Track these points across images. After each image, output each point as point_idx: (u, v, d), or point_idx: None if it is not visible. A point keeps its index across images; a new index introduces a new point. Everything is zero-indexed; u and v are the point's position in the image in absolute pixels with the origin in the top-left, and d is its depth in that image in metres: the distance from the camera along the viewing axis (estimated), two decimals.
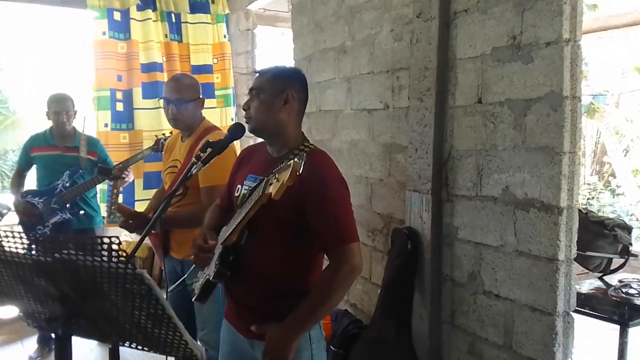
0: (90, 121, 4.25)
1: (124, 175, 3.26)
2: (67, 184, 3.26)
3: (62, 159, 3.31)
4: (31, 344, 3.51)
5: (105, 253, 0.86)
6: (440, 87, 2.22)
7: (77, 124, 3.45)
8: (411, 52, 2.38)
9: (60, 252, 0.89)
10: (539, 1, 1.81)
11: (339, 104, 3.06)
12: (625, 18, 4.59)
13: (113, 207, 2.40)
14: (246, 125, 1.64)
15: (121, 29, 4.27)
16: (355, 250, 1.47)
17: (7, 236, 0.98)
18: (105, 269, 0.88)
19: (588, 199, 6.62)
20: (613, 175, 7.06)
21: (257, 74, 1.62)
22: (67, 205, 3.25)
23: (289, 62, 3.62)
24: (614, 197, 6.96)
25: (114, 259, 0.86)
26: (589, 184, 6.89)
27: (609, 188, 7.04)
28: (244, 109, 1.59)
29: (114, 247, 0.84)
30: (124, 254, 0.86)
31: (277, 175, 1.16)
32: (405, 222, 2.44)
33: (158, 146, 3.08)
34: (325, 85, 3.14)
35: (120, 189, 2.81)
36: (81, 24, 4.53)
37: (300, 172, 1.14)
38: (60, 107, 3.28)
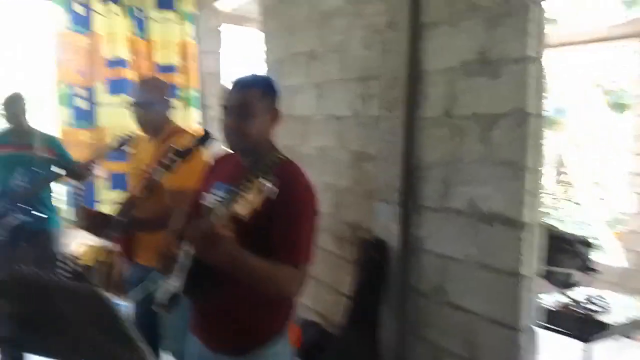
0: (52, 118, 4.10)
1: (88, 169, 3.12)
2: (21, 183, 3.09)
3: (16, 157, 3.15)
4: None
5: (61, 268, 0.81)
6: (409, 97, 2.22)
7: (33, 121, 3.30)
8: (382, 61, 2.38)
9: (16, 268, 0.83)
10: (507, 18, 1.83)
11: (309, 109, 3.03)
12: (586, 35, 4.75)
13: (78, 209, 2.30)
14: (223, 140, 1.57)
15: (83, 22, 4.11)
16: (301, 274, 1.45)
17: None
18: (61, 287, 0.83)
19: (550, 209, 6.84)
20: (571, 185, 7.33)
21: (238, 87, 1.52)
22: (22, 205, 3.08)
23: (257, 63, 3.58)
24: (573, 206, 7.23)
25: (68, 275, 0.81)
26: (551, 195, 7.12)
27: (568, 199, 7.31)
28: (226, 126, 1.50)
29: (69, 263, 0.80)
30: (79, 269, 0.82)
31: (246, 194, 1.12)
32: (372, 232, 2.44)
33: (118, 144, 2.99)
34: (295, 90, 3.11)
35: (83, 189, 2.67)
36: (42, 16, 4.34)
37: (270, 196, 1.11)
38: (15, 108, 3.14)
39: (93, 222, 2.13)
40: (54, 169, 3.15)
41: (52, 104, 4.17)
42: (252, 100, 1.48)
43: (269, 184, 1.11)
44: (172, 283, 1.49)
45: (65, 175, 3.11)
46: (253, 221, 1.23)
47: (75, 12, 4.09)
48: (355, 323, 2.40)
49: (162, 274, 1.57)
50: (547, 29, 1.82)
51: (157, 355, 2.32)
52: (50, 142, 3.31)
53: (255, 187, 1.12)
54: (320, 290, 2.99)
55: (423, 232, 2.22)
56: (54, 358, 1.15)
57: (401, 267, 2.29)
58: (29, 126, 3.24)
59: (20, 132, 3.19)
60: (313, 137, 3.03)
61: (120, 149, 2.86)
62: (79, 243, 4.31)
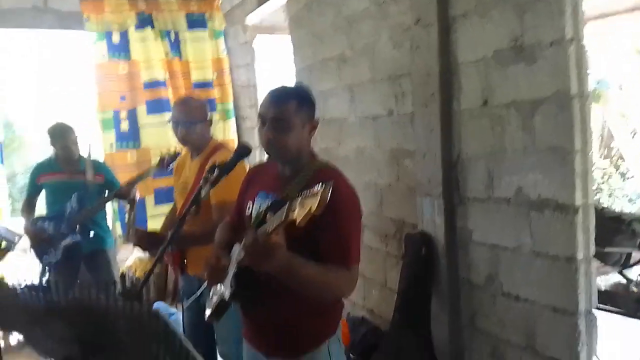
0: (96, 143, 4.28)
1: (133, 195, 3.28)
2: (75, 208, 3.26)
3: (69, 184, 3.32)
4: None
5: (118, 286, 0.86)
6: (443, 92, 2.21)
7: (82, 148, 3.47)
8: (412, 59, 2.38)
9: (71, 295, 0.88)
10: (538, 3, 1.80)
11: (343, 112, 3.06)
12: (627, 2, 4.56)
13: (130, 230, 2.42)
14: (262, 150, 1.61)
15: (121, 49, 4.29)
16: (353, 275, 1.49)
17: (20, 284, 0.98)
18: (118, 308, 0.88)
19: (599, 183, 6.56)
20: (622, 158, 6.99)
21: (274, 100, 1.55)
22: (77, 228, 3.25)
23: (290, 70, 3.63)
24: (623, 180, 6.90)
25: (126, 300, 0.86)
26: (601, 169, 6.82)
27: (618, 172, 6.97)
28: (265, 137, 1.53)
29: (125, 280, 0.84)
30: (135, 289, 0.86)
31: (301, 201, 1.14)
32: (418, 227, 2.44)
33: (163, 163, 3.11)
34: (328, 94, 3.15)
35: (135, 209, 2.81)
36: (82, 47, 4.54)
37: (328, 200, 1.13)
38: (65, 140, 3.30)
39: (144, 241, 2.23)
40: (105, 193, 3.31)
41: (96, 130, 4.36)
42: (289, 113, 1.51)
43: (327, 191, 1.12)
44: (220, 292, 1.54)
45: (114, 198, 3.26)
46: (302, 233, 1.26)
47: (113, 42, 4.27)
48: (406, 318, 2.40)
49: (210, 284, 1.63)
50: (584, 4, 1.76)
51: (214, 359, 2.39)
52: (99, 168, 3.47)
53: (312, 194, 1.13)
54: (368, 287, 3.01)
55: (470, 223, 2.20)
56: None
57: (450, 260, 2.28)
58: (79, 154, 3.41)
59: (70, 160, 3.36)
60: (349, 138, 3.05)
61: (164, 167, 2.98)
62: (132, 258, 4.51)
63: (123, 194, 3.24)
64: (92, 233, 3.31)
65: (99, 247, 3.39)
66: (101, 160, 3.82)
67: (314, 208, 1.11)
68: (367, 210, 2.85)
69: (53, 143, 3.33)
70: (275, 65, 4.66)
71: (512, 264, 2.03)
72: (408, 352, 2.33)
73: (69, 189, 3.29)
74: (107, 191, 3.37)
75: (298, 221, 1.13)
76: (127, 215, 2.55)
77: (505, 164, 2.01)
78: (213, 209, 2.19)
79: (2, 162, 3.98)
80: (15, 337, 3.83)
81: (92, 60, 4.24)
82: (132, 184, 3.29)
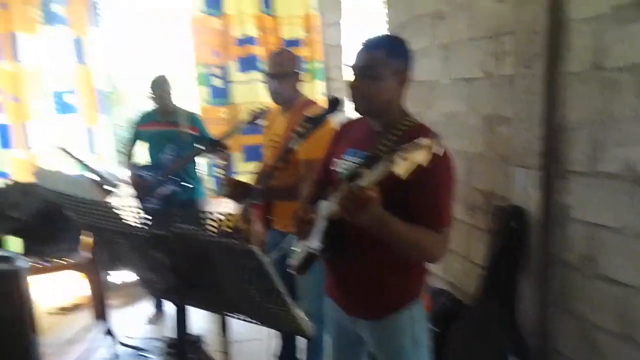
0: (192, 96, 4.46)
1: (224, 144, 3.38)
2: (171, 158, 3.45)
3: (165, 134, 3.52)
4: (145, 307, 3.83)
5: (217, 227, 0.88)
6: (550, 52, 2.02)
7: (179, 100, 3.63)
8: (517, 15, 2.19)
9: (175, 226, 0.92)
10: None
11: (435, 73, 2.92)
12: None
13: (223, 178, 2.53)
14: (350, 103, 1.58)
15: (216, 4, 4.37)
16: (445, 238, 1.44)
17: (125, 210, 1.03)
18: (218, 244, 0.91)
19: None
20: None
21: (365, 49, 1.50)
22: (171, 177, 3.44)
23: (380, 30, 3.51)
24: None
25: (227, 235, 0.88)
26: None
27: None
28: (352, 87, 1.50)
29: (228, 223, 0.87)
30: (238, 230, 0.89)
31: (402, 154, 1.10)
32: (509, 199, 2.31)
33: (253, 119, 3.16)
34: (420, 54, 2.99)
35: (229, 161, 2.90)
36: (179, 2, 4.67)
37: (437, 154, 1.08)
38: (160, 91, 3.49)
39: (235, 190, 2.30)
40: (196, 144, 3.46)
41: (191, 84, 4.53)
42: (377, 61, 1.45)
43: (437, 144, 1.07)
44: (308, 246, 1.55)
45: (205, 151, 3.40)
46: (394, 190, 1.22)
47: None
48: (491, 293, 2.31)
49: (297, 238, 1.65)
50: None
51: None
52: (193, 120, 3.63)
53: (418, 147, 1.08)
54: (451, 259, 2.92)
55: (569, 199, 2.04)
56: (209, 310, 1.27)
57: (543, 236, 2.14)
58: (174, 105, 3.58)
59: (166, 111, 3.54)
60: (440, 102, 2.91)
61: (254, 122, 3.03)
62: (220, 210, 4.73)
63: (220, 146, 3.35)
64: (185, 183, 3.50)
65: (192, 196, 3.59)
66: (197, 113, 3.97)
67: (422, 161, 1.06)
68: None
69: (151, 94, 3.52)
70: (365, 25, 4.53)
71: (612, 245, 1.86)
72: (491, 325, 2.25)
73: (165, 139, 3.50)
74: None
75: (402, 174, 1.09)
76: (222, 167, 2.65)
77: (613, 134, 1.81)
78: (301, 165, 2.21)
79: (107, 112, 4.27)
80: (116, 276, 4.21)
81: (188, 15, 4.37)
82: (225, 137, 3.40)
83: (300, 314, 1.07)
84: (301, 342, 2.63)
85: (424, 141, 1.08)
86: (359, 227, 1.28)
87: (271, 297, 1.00)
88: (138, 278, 1.25)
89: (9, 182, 3.63)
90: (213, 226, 0.89)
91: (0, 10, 3.76)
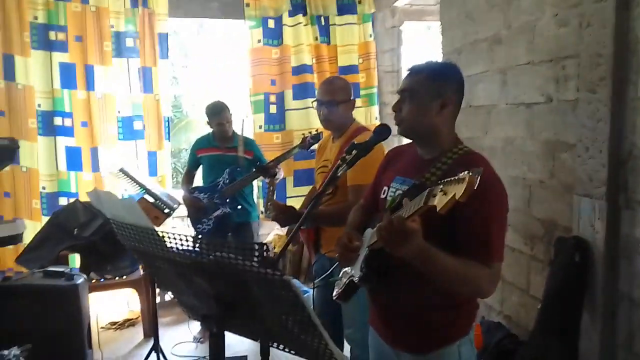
0: (247, 123, 4.58)
1: (276, 171, 3.45)
2: (227, 181, 3.55)
3: (223, 159, 3.62)
4: (196, 325, 3.89)
5: (255, 257, 0.88)
6: (617, 76, 1.91)
7: (236, 126, 3.74)
8: (580, 38, 2.09)
9: (215, 254, 0.93)
10: None
11: (492, 98, 2.83)
12: None
13: (269, 203, 2.55)
14: (395, 127, 1.57)
15: (274, 35, 4.51)
16: (495, 273, 1.35)
17: (169, 237, 1.05)
18: (255, 273, 0.90)
19: None
20: None
21: (410, 73, 1.50)
22: (227, 200, 3.52)
23: (436, 56, 3.48)
24: None
25: (262, 266, 0.87)
26: None
27: None
28: (394, 110, 1.50)
29: (264, 253, 0.86)
30: (272, 257, 0.88)
31: (443, 188, 1.06)
32: (572, 230, 2.17)
33: (305, 144, 3.17)
34: (477, 79, 2.94)
35: (275, 185, 2.94)
36: (239, 34, 4.86)
37: (475, 188, 1.03)
38: (221, 118, 3.59)
39: (284, 215, 2.30)
40: (253, 168, 3.54)
41: (248, 112, 4.65)
42: (416, 84, 1.44)
43: (476, 178, 1.02)
44: (351, 274, 1.52)
45: (261, 174, 3.46)
46: (440, 222, 1.17)
47: (268, 27, 4.50)
48: (551, 328, 2.16)
49: (341, 265, 1.61)
50: None
51: (339, 342, 2.40)
52: (249, 145, 3.72)
53: (458, 180, 1.04)
54: (507, 292, 2.77)
55: (638, 231, 1.89)
56: (248, 337, 1.26)
57: (609, 270, 1.99)
58: (233, 131, 3.68)
59: (225, 137, 3.65)
60: (497, 127, 2.82)
61: (307, 148, 3.06)
62: (272, 234, 4.78)
63: (268, 169, 3.42)
64: (240, 206, 3.58)
65: (246, 219, 3.66)
66: (252, 138, 4.07)
67: (458, 195, 1.00)
68: (512, 207, 2.59)
69: (210, 120, 3.65)
70: (420, 51, 4.51)
71: None
72: None
73: (223, 163, 3.60)
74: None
75: (439, 208, 1.04)
76: (267, 192, 2.67)
77: None
78: (349, 191, 2.19)
79: (168, 138, 4.45)
80: (169, 294, 4.32)
81: (247, 46, 4.52)
82: (276, 161, 3.45)
83: (336, 349, 1.03)
84: None
85: (462, 174, 1.03)
86: (402, 259, 1.23)
87: (308, 329, 0.97)
88: (181, 303, 1.27)
89: (78, 203, 3.84)
90: (259, 255, 0.88)
91: (76, 44, 4.05)
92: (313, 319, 0.91)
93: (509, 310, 2.78)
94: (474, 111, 2.98)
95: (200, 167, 3.78)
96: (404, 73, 1.56)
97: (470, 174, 1.02)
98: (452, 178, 1.05)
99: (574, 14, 2.17)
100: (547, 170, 2.42)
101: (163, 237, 1.03)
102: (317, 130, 3.12)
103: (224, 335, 1.10)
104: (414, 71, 1.49)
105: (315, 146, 3.07)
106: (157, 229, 1.06)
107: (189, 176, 3.80)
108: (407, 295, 1.43)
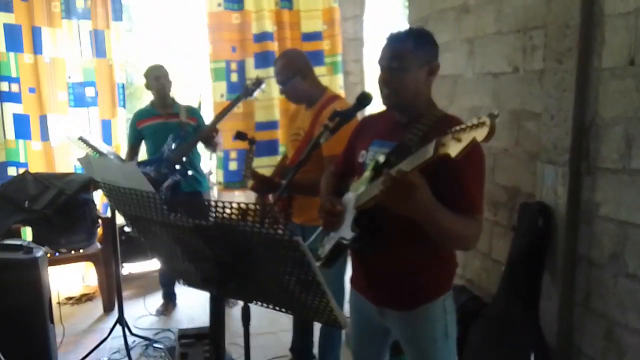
0: (206, 92, 4.45)
1: (213, 135, 3.38)
2: (172, 148, 3.40)
3: (166, 126, 3.47)
4: (153, 300, 3.82)
5: (263, 219, 0.87)
6: (583, 46, 1.99)
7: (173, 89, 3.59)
8: (548, 8, 2.15)
9: (220, 217, 0.91)
10: None
11: (459, 67, 2.88)
12: None
13: (247, 171, 2.53)
14: (380, 98, 1.56)
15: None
16: (480, 225, 1.42)
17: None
18: (262, 235, 0.89)
19: None
20: None
21: (391, 42, 1.49)
22: (177, 167, 3.38)
23: (399, 24, 3.48)
24: None
25: (273, 226, 0.86)
26: None
27: None
28: (382, 81, 1.49)
29: (274, 214, 0.85)
30: (282, 222, 0.87)
31: (456, 136, 1.08)
32: (535, 197, 2.27)
33: (247, 91, 3.25)
34: (443, 48, 2.91)
35: (254, 153, 2.88)
36: None
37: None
38: (158, 72, 3.45)
39: (263, 185, 2.29)
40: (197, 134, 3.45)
41: (207, 79, 4.51)
42: (404, 53, 1.45)
43: (495, 120, 1.04)
44: (336, 238, 1.53)
45: (201, 139, 3.38)
46: (424, 174, 1.20)
47: None
48: (513, 290, 2.28)
49: (326, 230, 1.63)
50: None
51: None
52: (192, 112, 3.60)
53: (472, 127, 1.06)
54: (470, 256, 2.89)
55: (598, 196, 2.00)
56: (244, 300, 1.25)
57: (570, 234, 2.11)
58: (172, 98, 3.55)
59: (166, 102, 3.51)
60: (463, 97, 2.88)
61: (252, 95, 3.12)
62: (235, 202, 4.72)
63: (206, 134, 3.35)
64: (190, 172, 3.45)
65: (196, 189, 3.54)
66: (202, 107, 3.92)
67: (481, 137, 1.03)
68: None
69: (147, 77, 3.49)
70: (384, 19, 4.49)
71: None
72: (512, 323, 2.22)
73: (166, 130, 3.45)
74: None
75: (455, 154, 1.07)
76: (246, 158, 2.64)
77: None
78: (326, 161, 2.19)
79: (124, 105, 4.26)
80: (127, 269, 4.22)
81: (205, 9, 4.35)
82: (214, 122, 3.37)
83: (336, 306, 1.05)
84: (315, 337, 2.62)
85: (481, 119, 1.06)
86: (394, 216, 1.25)
87: (311, 288, 0.98)
88: (173, 269, 1.24)
89: (28, 174, 3.64)
90: (267, 216, 0.87)
91: (22, 4, 3.76)
92: (318, 278, 0.92)
93: (472, 274, 2.91)
94: (440, 80, 2.96)
95: (143, 142, 3.59)
96: (367, 41, 1.55)
97: (489, 118, 1.04)
98: (466, 125, 1.07)
99: None
100: (512, 138, 2.51)
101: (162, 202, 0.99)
102: (257, 76, 3.25)
103: (223, 299, 1.09)
104: (396, 40, 1.48)
105: (256, 93, 3.27)
106: None
107: (132, 153, 3.59)
108: (396, 252, 1.47)
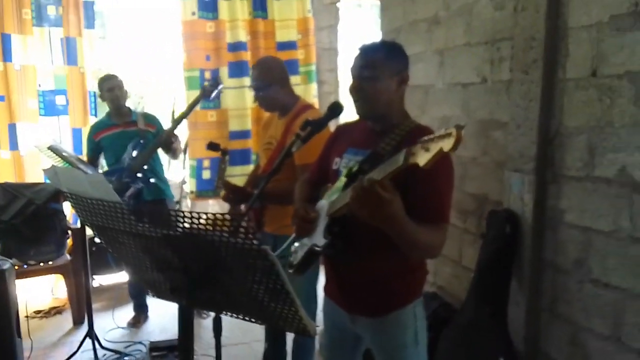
0: (180, 101, 4.42)
1: (172, 140, 3.35)
2: (133, 156, 3.34)
3: (124, 135, 3.42)
4: (124, 312, 3.75)
5: (231, 229, 0.87)
6: (548, 58, 2.05)
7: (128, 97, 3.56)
8: (515, 21, 2.22)
9: (189, 227, 0.91)
10: None
11: (430, 78, 2.94)
12: None
13: (219, 181, 2.51)
14: (350, 107, 1.59)
15: (209, 8, 4.34)
16: (445, 234, 1.46)
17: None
18: (231, 244, 0.90)
19: None
20: None
21: (363, 53, 1.53)
22: (138, 176, 3.32)
23: (372, 35, 3.53)
24: None
25: (241, 235, 0.87)
26: None
27: None
28: (356, 89, 1.52)
29: (243, 223, 0.86)
30: (251, 231, 0.88)
31: (424, 145, 1.11)
32: (502, 204, 2.32)
33: (205, 92, 3.29)
34: (415, 59, 3.03)
35: (227, 163, 2.86)
36: (171, 5, 4.65)
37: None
38: (111, 83, 3.41)
39: (235, 195, 2.29)
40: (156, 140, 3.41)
41: (180, 88, 4.48)
42: (375, 62, 1.49)
43: (461, 131, 1.07)
44: (309, 245, 1.54)
45: (160, 144, 3.35)
46: (396, 189, 1.22)
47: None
48: (482, 298, 2.32)
49: (297, 237, 1.64)
50: None
51: None
52: (150, 119, 3.56)
53: (440, 137, 1.08)
54: (440, 263, 2.93)
55: (563, 203, 2.06)
56: (212, 310, 1.25)
57: (536, 240, 2.16)
58: (128, 107, 3.51)
59: (122, 111, 3.46)
60: (434, 107, 2.93)
61: (210, 96, 3.21)
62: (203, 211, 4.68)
63: (165, 139, 3.32)
64: (152, 180, 3.39)
65: (159, 197, 3.48)
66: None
67: (447, 147, 1.06)
68: None
69: (100, 88, 3.44)
70: (358, 30, 4.55)
71: (605, 249, 1.88)
72: (481, 330, 2.26)
73: (125, 139, 3.39)
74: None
75: (423, 164, 1.09)
76: (219, 168, 2.63)
77: (611, 140, 1.85)
78: (298, 170, 2.19)
79: (95, 114, 4.20)
80: (97, 281, 4.14)
81: (179, 18, 4.33)
82: (172, 128, 3.35)
83: (305, 314, 1.05)
84: (289, 346, 2.61)
85: (448, 130, 1.09)
86: (365, 224, 1.26)
87: (280, 297, 0.99)
88: (141, 279, 1.23)
89: None
90: (236, 225, 0.88)
91: None
92: (287, 286, 0.93)
93: (443, 281, 2.95)
94: (411, 90, 3.06)
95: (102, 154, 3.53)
96: (342, 51, 1.60)
97: (456, 128, 1.07)
98: (434, 135, 1.10)
99: None
100: (480, 147, 2.57)
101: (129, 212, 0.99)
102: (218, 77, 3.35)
103: (192, 309, 1.09)
104: (368, 50, 1.53)
105: (214, 94, 3.33)
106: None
107: (92, 164, 3.45)
108: (367, 259, 1.49)
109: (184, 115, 3.41)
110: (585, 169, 1.95)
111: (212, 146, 2.64)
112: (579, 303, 2.01)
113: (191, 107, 3.43)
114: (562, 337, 2.09)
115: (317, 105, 4.59)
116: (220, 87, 3.37)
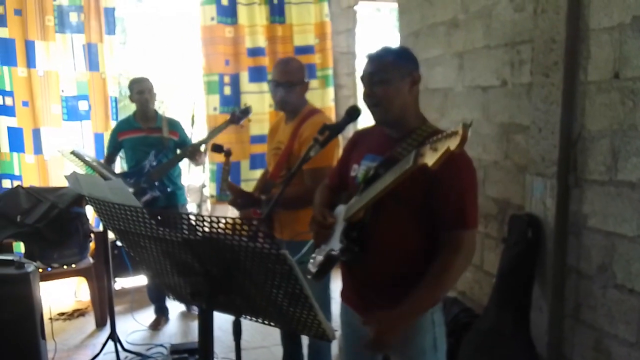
0: (198, 106, 4.46)
1: (197, 157, 3.39)
2: (154, 163, 3.39)
3: (147, 140, 3.45)
4: (145, 315, 3.80)
5: (250, 234, 0.88)
6: (569, 61, 2.02)
7: (157, 102, 3.61)
8: (535, 23, 2.19)
9: (209, 231, 0.92)
10: None
11: (449, 81, 2.92)
12: None
13: (224, 183, 2.53)
14: (367, 112, 1.60)
15: (228, 13, 4.39)
16: (473, 237, 1.46)
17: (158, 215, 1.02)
18: (250, 249, 0.91)
19: None
20: None
21: (372, 58, 1.54)
22: (156, 184, 3.37)
23: (390, 39, 3.53)
24: None
25: (260, 240, 0.88)
26: None
27: None
28: (369, 95, 1.53)
29: (261, 229, 0.86)
30: (270, 235, 0.89)
31: (432, 145, 1.11)
32: (524, 208, 2.29)
33: (234, 118, 3.27)
34: (434, 62, 3.01)
35: (230, 166, 2.89)
36: (190, 10, 4.71)
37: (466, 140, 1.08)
38: (141, 86, 3.44)
39: (241, 199, 2.29)
40: (178, 150, 3.45)
41: (200, 92, 4.53)
42: (384, 66, 1.49)
43: (468, 129, 1.07)
44: (327, 250, 1.55)
45: (186, 156, 3.39)
46: (416, 192, 1.22)
47: (222, 4, 4.36)
48: (504, 301, 2.29)
49: (316, 242, 1.64)
50: None
51: None
52: (174, 125, 3.58)
53: (447, 136, 1.09)
54: None
55: (586, 208, 2.02)
56: (232, 314, 1.26)
57: (559, 245, 2.13)
58: (155, 110, 3.55)
59: (148, 116, 3.50)
60: (453, 110, 2.91)
61: (238, 123, 3.06)
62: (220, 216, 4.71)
63: (189, 154, 3.36)
64: (169, 188, 3.44)
65: (173, 203, 3.52)
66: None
67: (453, 146, 1.06)
68: None
69: (130, 90, 3.48)
70: (372, 34, 4.55)
71: (630, 254, 1.85)
72: (503, 337, 2.23)
73: (147, 145, 3.43)
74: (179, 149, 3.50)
75: (431, 164, 1.09)
76: (222, 170, 2.65)
77: (634, 144, 1.81)
78: (306, 174, 2.19)
79: (116, 118, 4.27)
80: (119, 284, 4.20)
81: (199, 23, 4.39)
82: (204, 140, 3.38)
83: (324, 319, 1.06)
84: (305, 350, 2.61)
85: (453, 129, 1.09)
86: (383, 229, 1.27)
87: (298, 302, 1.00)
88: (162, 283, 1.25)
89: (20, 189, 3.63)
90: (255, 230, 0.89)
91: (16, 17, 3.79)
92: (305, 291, 0.94)
93: (464, 286, 2.92)
94: (431, 94, 3.06)
95: (121, 151, 3.60)
96: (360, 55, 1.61)
97: (461, 126, 1.07)
98: (441, 135, 1.10)
99: (529, 0, 2.26)
100: (502, 151, 2.54)
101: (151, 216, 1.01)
102: (246, 104, 3.27)
103: (212, 313, 1.10)
104: (377, 56, 1.54)
105: (243, 121, 3.29)
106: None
107: (109, 161, 3.57)
108: (385, 264, 1.49)
109: (211, 136, 3.41)
110: (608, 173, 1.91)
111: (215, 148, 2.66)
112: (603, 309, 1.97)
113: (219, 131, 3.41)
114: (586, 343, 2.06)
115: (335, 109, 4.61)
116: (249, 115, 3.37)
